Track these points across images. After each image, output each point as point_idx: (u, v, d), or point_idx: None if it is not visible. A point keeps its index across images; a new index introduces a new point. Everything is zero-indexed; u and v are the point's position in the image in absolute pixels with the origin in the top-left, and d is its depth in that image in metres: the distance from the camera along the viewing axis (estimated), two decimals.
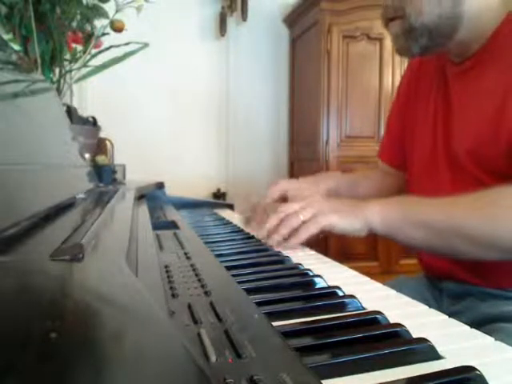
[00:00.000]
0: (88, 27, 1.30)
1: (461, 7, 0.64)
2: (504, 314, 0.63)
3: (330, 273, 0.51)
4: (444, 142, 0.73)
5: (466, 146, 0.67)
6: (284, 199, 0.82)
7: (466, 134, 0.68)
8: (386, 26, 0.70)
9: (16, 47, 1.04)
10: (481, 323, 0.63)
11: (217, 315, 0.32)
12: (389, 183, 0.94)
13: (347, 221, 0.61)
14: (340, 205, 0.65)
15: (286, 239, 0.65)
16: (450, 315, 0.39)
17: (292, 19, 2.63)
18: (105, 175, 1.18)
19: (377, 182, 0.96)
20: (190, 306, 0.34)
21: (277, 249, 0.63)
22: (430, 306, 0.41)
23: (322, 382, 0.24)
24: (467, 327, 0.36)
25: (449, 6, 0.64)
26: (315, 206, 0.63)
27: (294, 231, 0.63)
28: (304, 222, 0.62)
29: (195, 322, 0.31)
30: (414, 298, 0.44)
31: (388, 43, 2.33)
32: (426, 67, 0.81)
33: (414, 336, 0.33)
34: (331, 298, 0.42)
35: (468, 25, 0.65)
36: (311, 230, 0.61)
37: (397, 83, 2.37)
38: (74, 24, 1.25)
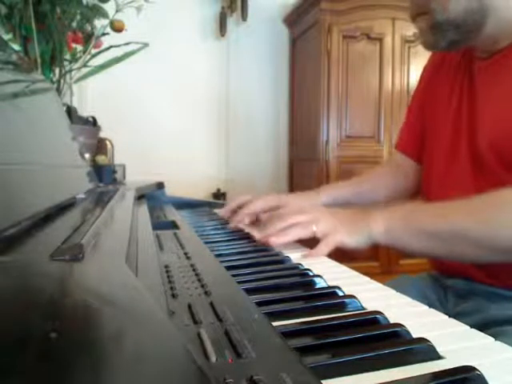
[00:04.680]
0: (88, 27, 1.30)
1: (487, 1, 0.63)
2: None
3: (329, 273, 0.51)
4: (468, 137, 0.72)
5: (488, 140, 0.67)
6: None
7: (489, 128, 0.67)
8: (412, 21, 0.70)
9: (16, 47, 1.04)
10: (488, 325, 0.61)
11: (217, 315, 0.32)
12: (402, 179, 0.91)
13: (355, 238, 0.62)
14: (345, 219, 0.65)
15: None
16: (456, 316, 0.38)
17: (292, 19, 2.63)
18: (105, 175, 1.18)
19: (388, 184, 0.93)
20: (190, 306, 0.34)
21: (275, 245, 0.63)
22: (433, 306, 0.41)
23: (322, 382, 0.24)
24: (467, 327, 0.36)
25: (474, 0, 0.63)
26: (328, 220, 0.63)
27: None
28: (316, 235, 0.62)
29: (195, 322, 0.31)
30: (416, 297, 0.44)
31: (388, 43, 2.34)
32: (450, 61, 0.80)
33: (414, 336, 0.32)
34: (331, 298, 0.42)
35: (495, 19, 0.64)
36: (329, 248, 0.62)
37: (397, 83, 2.40)
38: (74, 24, 1.25)
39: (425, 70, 0.89)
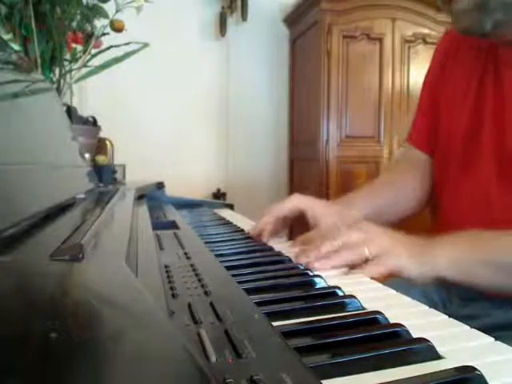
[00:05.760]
0: (88, 27, 1.30)
1: None
2: None
3: (329, 273, 0.51)
4: (493, 137, 0.65)
5: None
6: (298, 219, 0.70)
7: None
8: (448, 1, 0.62)
9: (16, 47, 1.04)
10: (492, 329, 0.59)
11: (217, 315, 0.32)
12: (420, 181, 0.81)
13: (416, 265, 0.53)
14: (406, 242, 0.55)
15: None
16: (460, 320, 0.38)
17: (292, 19, 2.63)
18: (105, 175, 1.18)
19: (408, 187, 0.82)
20: (190, 306, 0.34)
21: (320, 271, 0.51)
22: (435, 308, 0.41)
23: (322, 382, 0.24)
24: (467, 327, 0.36)
25: None
26: (382, 240, 0.54)
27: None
28: (368, 259, 0.52)
29: (195, 322, 0.31)
30: (417, 298, 0.43)
31: (388, 43, 2.33)
32: (466, 46, 0.72)
33: (414, 336, 0.32)
34: (331, 297, 0.42)
35: None
36: (380, 270, 0.52)
37: (397, 83, 2.39)
38: (74, 24, 1.25)
39: (436, 52, 0.81)
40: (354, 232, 0.55)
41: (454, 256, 0.53)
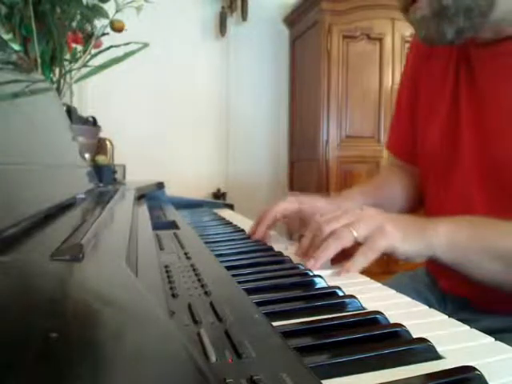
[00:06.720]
0: (88, 27, 1.30)
1: None
2: None
3: (329, 273, 0.51)
4: (472, 142, 0.62)
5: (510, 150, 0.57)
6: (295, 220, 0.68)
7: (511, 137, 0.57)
8: (405, 11, 0.60)
9: (16, 47, 1.04)
10: (491, 331, 0.58)
11: (217, 315, 0.32)
12: (408, 182, 0.81)
13: (410, 242, 0.50)
14: (397, 219, 0.53)
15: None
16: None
17: (292, 19, 2.63)
18: (105, 175, 1.18)
19: (402, 188, 0.82)
20: (190, 306, 0.34)
21: (315, 271, 0.50)
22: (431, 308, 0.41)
23: (322, 382, 0.24)
24: (467, 327, 0.36)
25: None
26: (371, 220, 0.51)
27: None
28: (358, 241, 0.50)
29: (195, 321, 0.31)
30: (415, 298, 0.44)
31: (388, 43, 2.33)
32: (438, 47, 0.68)
33: (414, 336, 0.32)
34: (331, 297, 0.42)
35: (505, 1, 0.55)
36: (369, 257, 0.49)
37: (397, 83, 2.38)
38: (74, 24, 1.25)
39: (409, 54, 0.78)
40: (340, 218, 0.53)
41: (453, 236, 0.50)
